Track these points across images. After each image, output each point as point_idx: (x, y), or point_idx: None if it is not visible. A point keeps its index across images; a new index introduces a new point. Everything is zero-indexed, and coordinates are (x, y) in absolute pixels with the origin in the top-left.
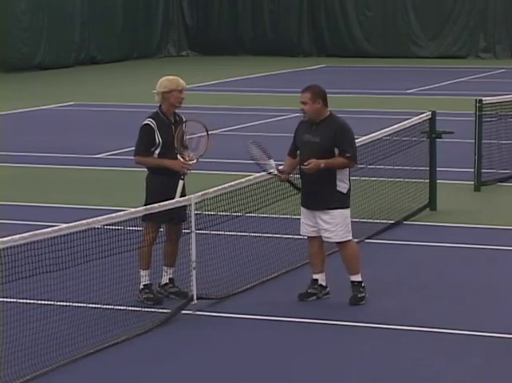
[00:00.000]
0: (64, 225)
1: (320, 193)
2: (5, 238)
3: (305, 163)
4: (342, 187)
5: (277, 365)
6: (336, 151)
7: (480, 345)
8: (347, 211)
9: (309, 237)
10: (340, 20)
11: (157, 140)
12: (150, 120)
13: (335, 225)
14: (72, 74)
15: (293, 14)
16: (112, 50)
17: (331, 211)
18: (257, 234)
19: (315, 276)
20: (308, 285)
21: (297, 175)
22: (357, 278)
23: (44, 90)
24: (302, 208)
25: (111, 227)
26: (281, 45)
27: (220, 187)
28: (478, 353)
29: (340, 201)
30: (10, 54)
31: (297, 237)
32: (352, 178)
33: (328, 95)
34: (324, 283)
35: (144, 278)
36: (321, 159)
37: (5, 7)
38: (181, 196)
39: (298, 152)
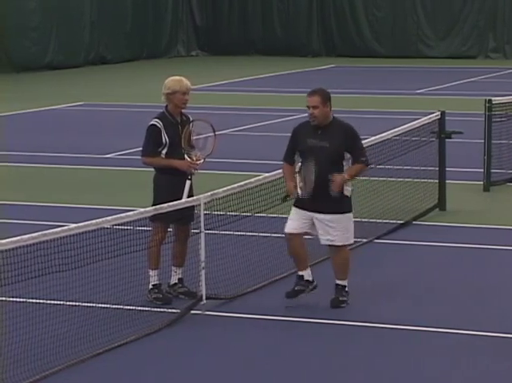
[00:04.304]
0: (73, 225)
1: (329, 197)
2: (14, 238)
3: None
4: (348, 190)
5: (287, 365)
6: (346, 155)
7: (486, 346)
8: (352, 215)
9: (291, 235)
10: (349, 20)
11: (164, 140)
12: (156, 120)
13: (341, 229)
14: (81, 74)
15: (302, 14)
16: (122, 50)
17: (339, 215)
18: (266, 234)
19: (300, 273)
20: (294, 282)
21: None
22: (344, 283)
23: (53, 90)
24: (297, 209)
25: (120, 227)
26: (290, 45)
27: (229, 187)
28: (484, 353)
29: (348, 205)
30: (20, 54)
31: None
32: (361, 178)
33: (337, 95)
34: (310, 278)
35: (153, 278)
36: (330, 163)
37: (15, 6)
38: (188, 196)
39: (298, 157)
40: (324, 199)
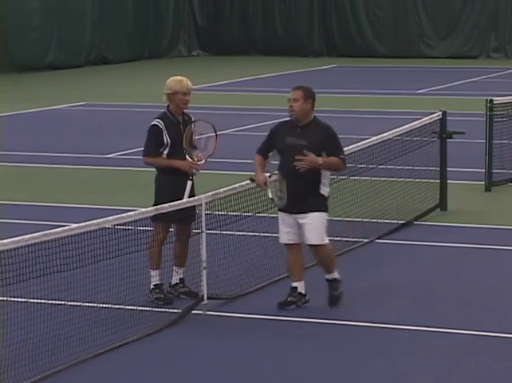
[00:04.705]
0: (74, 225)
1: (304, 196)
2: (16, 238)
3: (300, 158)
4: (324, 190)
5: (287, 365)
6: (324, 154)
7: (487, 346)
8: (326, 215)
9: (287, 245)
10: (350, 20)
11: (165, 141)
12: (158, 120)
13: (315, 227)
14: (82, 74)
15: (303, 14)
16: (123, 50)
17: (312, 213)
18: (267, 234)
19: (294, 284)
20: (287, 293)
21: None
22: (333, 275)
23: (54, 90)
24: (282, 214)
25: (121, 227)
26: (291, 45)
27: (230, 187)
28: (485, 353)
29: (322, 204)
30: (21, 54)
31: None
32: (363, 178)
33: (338, 95)
34: (303, 291)
35: (155, 278)
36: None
37: (16, 6)
38: (190, 197)
39: (273, 154)
40: (301, 199)
